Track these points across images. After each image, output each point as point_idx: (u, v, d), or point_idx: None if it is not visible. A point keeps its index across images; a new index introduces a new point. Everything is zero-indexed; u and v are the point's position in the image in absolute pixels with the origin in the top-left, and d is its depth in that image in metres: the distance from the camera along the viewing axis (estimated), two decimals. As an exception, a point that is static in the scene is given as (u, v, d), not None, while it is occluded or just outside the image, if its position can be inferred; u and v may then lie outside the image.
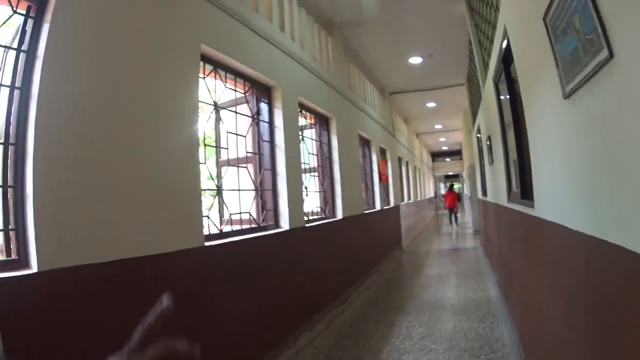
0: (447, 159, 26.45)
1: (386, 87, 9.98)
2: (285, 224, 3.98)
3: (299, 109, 4.61)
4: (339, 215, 5.64)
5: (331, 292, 4.97)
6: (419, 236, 13.21)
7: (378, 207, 7.90)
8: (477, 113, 7.52)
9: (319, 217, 5.28)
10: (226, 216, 3.36)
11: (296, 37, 4.65)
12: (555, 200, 1.94)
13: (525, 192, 2.90)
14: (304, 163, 4.90)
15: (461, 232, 13.56)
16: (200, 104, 2.87)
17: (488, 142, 5.34)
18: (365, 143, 7.80)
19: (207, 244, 2.73)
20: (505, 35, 2.88)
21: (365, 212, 6.96)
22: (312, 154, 5.37)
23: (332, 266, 5.07)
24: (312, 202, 5.21)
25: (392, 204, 9.36)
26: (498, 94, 3.88)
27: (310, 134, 5.49)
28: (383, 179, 8.00)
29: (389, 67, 8.39)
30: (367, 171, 7.82)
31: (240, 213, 3.53)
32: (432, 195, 24.84)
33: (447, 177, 39.11)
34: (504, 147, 3.84)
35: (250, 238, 3.35)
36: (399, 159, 11.50)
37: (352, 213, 6.05)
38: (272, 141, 4.02)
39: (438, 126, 15.36)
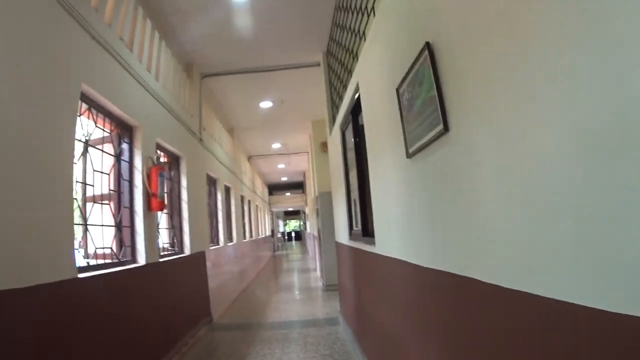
0: (287, 193, 23.73)
1: (194, 62, 6.27)
2: None
3: None
4: None
5: None
6: (246, 292, 9.43)
7: (142, 260, 3.88)
8: (344, 89, 4.50)
9: None
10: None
11: None
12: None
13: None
14: None
15: (306, 286, 10.13)
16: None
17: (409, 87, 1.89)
18: (123, 129, 3.81)
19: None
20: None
21: (88, 274, 2.92)
22: None
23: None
24: None
25: (188, 251, 5.44)
26: None
27: None
28: (153, 205, 4.05)
29: (194, 4, 4.72)
30: (122, 188, 3.81)
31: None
32: (269, 233, 21.66)
33: (287, 213, 36.80)
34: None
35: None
36: (212, 180, 7.74)
37: (21, 284, 2.00)
38: None
39: (276, 145, 12.19)
